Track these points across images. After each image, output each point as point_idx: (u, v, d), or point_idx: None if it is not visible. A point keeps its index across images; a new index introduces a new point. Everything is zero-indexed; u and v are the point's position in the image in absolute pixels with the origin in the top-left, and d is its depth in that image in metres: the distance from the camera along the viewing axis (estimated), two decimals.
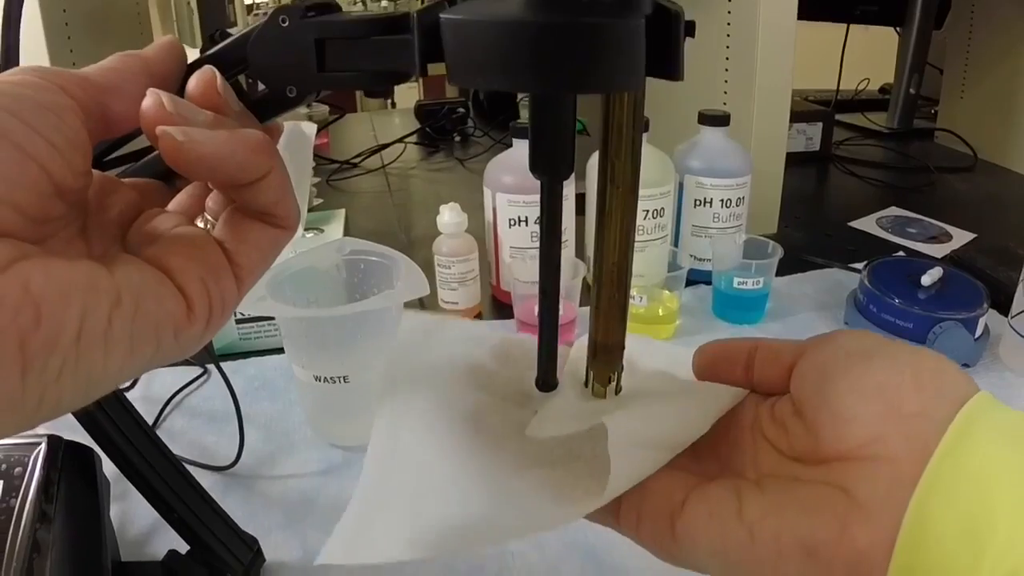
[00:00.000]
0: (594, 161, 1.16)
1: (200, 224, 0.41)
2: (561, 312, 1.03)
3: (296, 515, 0.82)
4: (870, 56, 2.35)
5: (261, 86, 0.42)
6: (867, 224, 1.55)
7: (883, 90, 2.47)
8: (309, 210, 1.41)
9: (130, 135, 0.41)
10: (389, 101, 3.23)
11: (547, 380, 0.46)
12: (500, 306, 1.24)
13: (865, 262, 1.15)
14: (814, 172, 1.88)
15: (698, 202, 1.24)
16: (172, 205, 0.43)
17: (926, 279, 1.07)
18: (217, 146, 0.35)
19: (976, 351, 1.04)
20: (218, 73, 0.39)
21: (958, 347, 1.00)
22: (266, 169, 0.37)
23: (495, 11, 0.33)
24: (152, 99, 0.35)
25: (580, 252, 1.27)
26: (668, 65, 0.33)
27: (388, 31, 0.38)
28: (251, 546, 0.73)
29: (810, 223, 1.57)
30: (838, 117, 2.03)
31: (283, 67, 0.40)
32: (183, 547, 0.69)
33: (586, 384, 0.48)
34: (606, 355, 0.46)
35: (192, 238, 0.38)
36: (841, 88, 2.30)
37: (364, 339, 0.87)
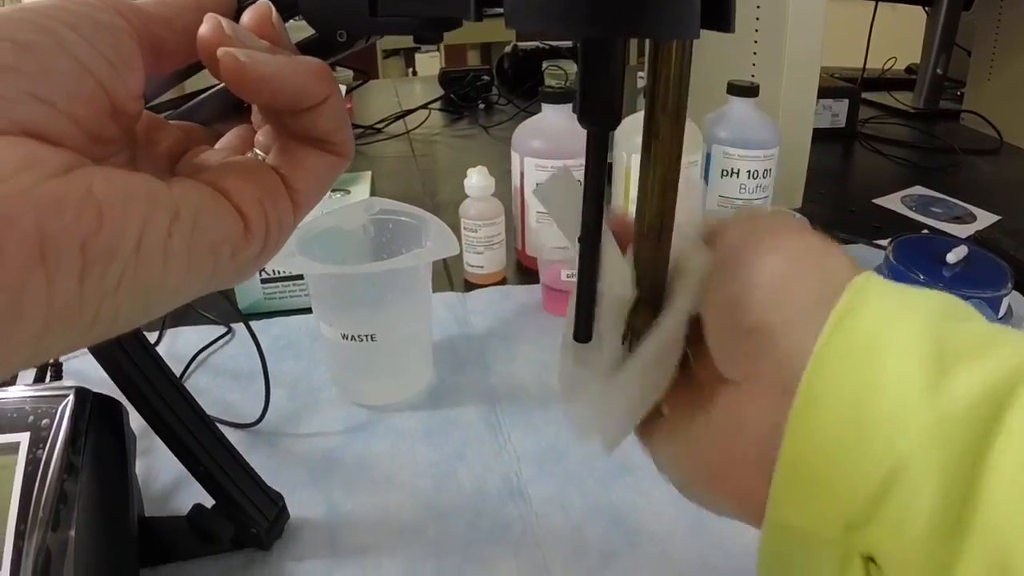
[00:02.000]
0: (618, 133, 1.16)
1: (254, 153, 0.41)
2: None
3: (321, 473, 0.82)
4: (898, 35, 2.32)
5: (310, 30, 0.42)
6: (892, 202, 1.54)
7: (909, 70, 2.45)
8: None
9: (177, 76, 0.40)
10: (411, 69, 3.23)
11: (586, 332, 0.45)
12: (525, 272, 1.24)
13: (890, 239, 1.14)
14: (839, 149, 1.87)
15: (725, 172, 1.23)
16: (220, 144, 0.43)
17: (951, 257, 1.06)
18: (278, 67, 0.35)
19: None
20: (272, 7, 0.38)
21: None
22: (326, 94, 0.37)
23: None
24: (211, 23, 0.35)
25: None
26: (720, 17, 0.34)
27: None
28: (276, 502, 0.73)
29: (835, 199, 1.56)
30: (864, 95, 2.01)
31: (334, 11, 0.40)
32: (208, 502, 0.69)
33: (624, 338, 0.47)
34: (645, 309, 0.46)
35: (247, 163, 0.38)
36: (868, 67, 2.28)
37: (393, 298, 0.87)
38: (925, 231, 1.39)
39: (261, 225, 0.36)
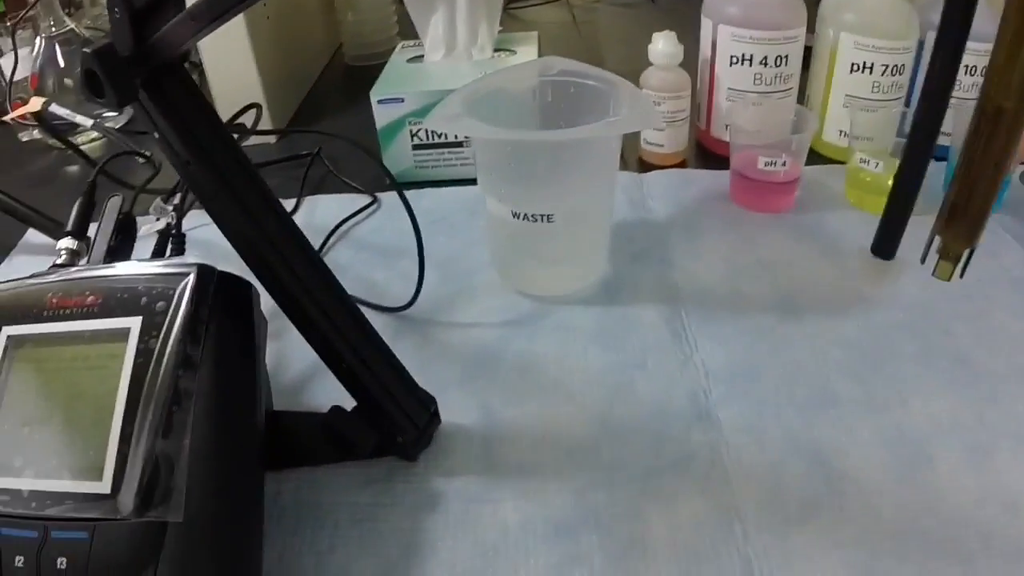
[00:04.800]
0: (823, 9, 1.05)
1: None
2: (785, 170, 0.90)
3: (476, 371, 0.73)
4: None
5: None
6: None
7: None
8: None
9: None
10: None
11: (889, 249, 0.35)
12: (707, 154, 1.13)
13: None
14: None
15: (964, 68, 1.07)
16: None
17: None
18: None
19: None
20: None
21: None
22: None
23: None
24: None
25: (803, 104, 1.12)
26: None
27: None
28: (427, 406, 0.64)
29: None
30: None
31: None
32: (347, 401, 0.61)
33: (923, 258, 0.41)
34: (964, 223, 0.37)
35: None
36: None
37: (577, 174, 0.76)
38: None
39: None
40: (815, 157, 1.04)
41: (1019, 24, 0.33)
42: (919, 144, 0.33)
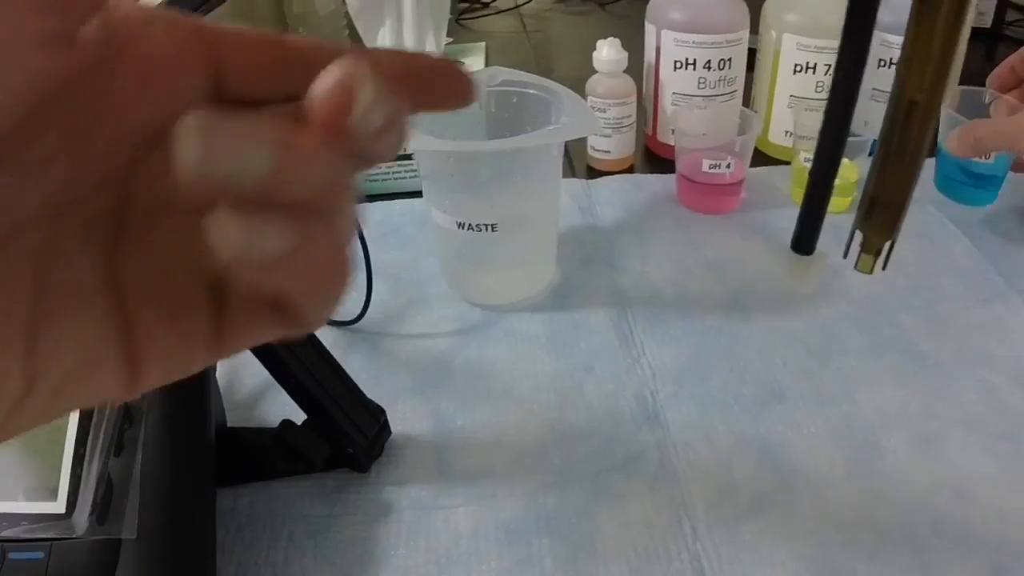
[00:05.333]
0: (766, 11, 1.06)
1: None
2: (730, 172, 0.91)
3: (427, 381, 0.74)
4: None
5: None
6: None
7: None
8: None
9: None
10: None
11: (808, 245, 0.37)
12: (654, 159, 1.13)
13: None
14: (982, 50, 1.72)
15: (882, 63, 1.08)
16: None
17: None
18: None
19: None
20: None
21: None
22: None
23: None
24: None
25: (748, 105, 1.14)
26: None
27: None
28: (377, 417, 0.64)
29: None
30: None
31: None
32: (298, 416, 0.61)
33: (845, 252, 0.43)
34: (884, 215, 0.39)
35: (184, 293, 0.26)
36: None
37: (519, 183, 0.77)
38: None
39: (148, 382, 0.25)
40: (761, 157, 1.06)
41: (928, 19, 0.34)
42: (830, 138, 0.35)
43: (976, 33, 1.71)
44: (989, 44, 1.75)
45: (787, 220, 0.92)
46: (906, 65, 0.36)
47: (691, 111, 1.03)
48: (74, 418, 0.50)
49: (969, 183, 0.95)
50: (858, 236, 0.44)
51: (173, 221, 0.25)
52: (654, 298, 0.83)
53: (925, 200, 0.96)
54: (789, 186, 0.99)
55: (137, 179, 0.25)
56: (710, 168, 0.92)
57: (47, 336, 0.22)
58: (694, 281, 0.85)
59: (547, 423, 0.68)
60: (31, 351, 0.22)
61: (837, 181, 0.92)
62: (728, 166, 0.92)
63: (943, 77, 0.35)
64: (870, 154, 0.82)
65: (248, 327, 0.27)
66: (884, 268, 0.42)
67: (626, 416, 0.69)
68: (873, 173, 0.40)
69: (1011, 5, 1.85)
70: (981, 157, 0.88)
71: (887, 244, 0.41)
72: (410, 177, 1.02)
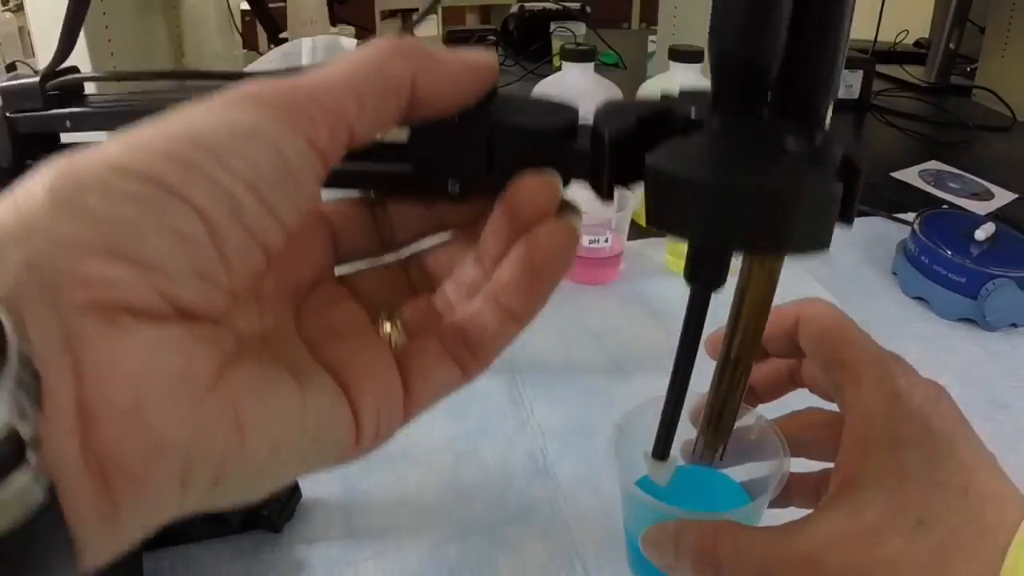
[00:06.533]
0: (640, 96, 1.12)
1: (385, 328, 0.36)
2: (609, 246, 0.99)
3: None
4: (907, 8, 2.28)
5: None
6: (909, 176, 1.50)
7: (918, 44, 2.41)
8: None
9: None
10: (409, 32, 3.17)
11: (664, 452, 0.45)
12: None
13: (915, 213, 1.10)
14: (852, 120, 1.83)
15: None
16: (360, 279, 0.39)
17: (979, 234, 1.02)
18: None
19: None
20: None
21: (1010, 305, 0.96)
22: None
23: (699, 165, 0.33)
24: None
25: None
26: (842, 214, 0.34)
27: (564, 136, 0.36)
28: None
29: None
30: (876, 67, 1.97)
31: (448, 162, 0.37)
32: None
33: (693, 452, 0.50)
34: (718, 427, 0.48)
35: (378, 361, 0.34)
36: (879, 39, 2.23)
37: None
38: (945, 206, 1.35)
39: (371, 437, 0.33)
40: (639, 230, 1.11)
41: (746, 294, 0.42)
42: (677, 384, 0.43)
43: (846, 104, 1.83)
44: (859, 115, 1.86)
45: (662, 287, 1.00)
46: (729, 329, 0.44)
47: (575, 191, 1.08)
48: None
49: None
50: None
51: (357, 340, 0.35)
52: (541, 364, 0.89)
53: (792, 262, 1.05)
54: (664, 256, 1.07)
55: (301, 313, 0.35)
56: (590, 243, 0.99)
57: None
58: (578, 348, 0.91)
59: (446, 482, 0.73)
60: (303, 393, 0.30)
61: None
62: (607, 240, 0.99)
63: (759, 338, 0.43)
64: None
65: (437, 378, 0.35)
66: (722, 459, 0.49)
67: (518, 472, 0.74)
68: (709, 400, 0.47)
69: (879, 75, 1.97)
70: None
71: (721, 446, 0.48)
72: None
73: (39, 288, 0.23)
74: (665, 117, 0.36)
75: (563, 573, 0.65)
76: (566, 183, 0.36)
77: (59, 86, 0.53)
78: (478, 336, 0.35)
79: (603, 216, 1.01)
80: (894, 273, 1.09)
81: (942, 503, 0.40)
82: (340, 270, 0.39)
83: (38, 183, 0.24)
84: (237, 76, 0.48)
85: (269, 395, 0.28)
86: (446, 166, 0.37)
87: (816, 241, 0.33)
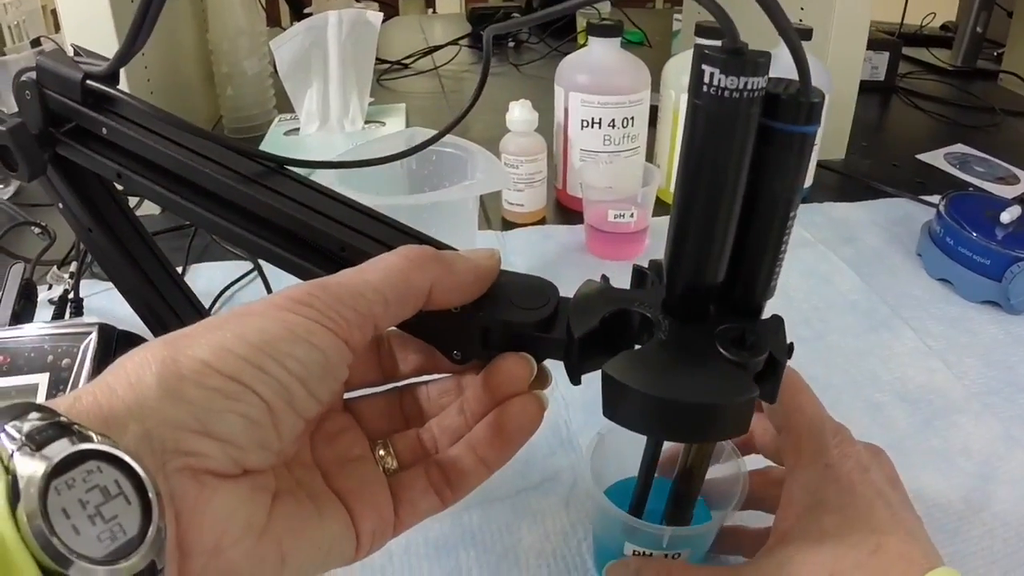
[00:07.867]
0: (666, 73, 1.15)
1: (380, 453, 0.47)
2: (634, 221, 0.99)
3: None
4: None
5: None
6: (935, 158, 1.49)
7: (944, 27, 2.39)
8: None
9: None
10: (431, 9, 3.17)
11: (639, 512, 0.55)
12: (564, 211, 1.20)
13: (941, 195, 1.10)
14: (877, 102, 1.82)
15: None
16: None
17: (1005, 216, 1.01)
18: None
19: None
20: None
21: None
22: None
23: (646, 377, 0.41)
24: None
25: (651, 159, 1.22)
26: (765, 394, 0.43)
27: (544, 329, 0.46)
28: None
29: (876, 152, 1.51)
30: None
31: (450, 339, 0.47)
32: None
33: (664, 513, 0.57)
34: (683, 505, 0.56)
35: (377, 490, 0.44)
36: (905, 22, 2.21)
37: (437, 235, 0.81)
38: (971, 189, 1.35)
39: (366, 550, 0.42)
40: (663, 207, 1.11)
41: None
42: (646, 467, 0.49)
43: (872, 86, 1.81)
44: (884, 97, 1.84)
45: None
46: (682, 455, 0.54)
47: (597, 166, 1.10)
48: None
49: None
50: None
51: (355, 467, 0.45)
52: None
53: (817, 241, 1.06)
54: None
55: (315, 440, 0.45)
56: (615, 218, 1.00)
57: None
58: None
59: None
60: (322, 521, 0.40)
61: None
62: (632, 215, 0.99)
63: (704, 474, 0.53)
64: None
65: (424, 507, 0.45)
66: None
67: (542, 442, 0.74)
68: (674, 484, 0.55)
69: (905, 58, 1.95)
70: None
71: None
72: None
73: (151, 455, 0.31)
74: (625, 316, 0.45)
75: (585, 543, 0.65)
76: (540, 361, 0.46)
77: (97, 92, 0.53)
78: (457, 477, 0.45)
79: (628, 191, 1.01)
80: (919, 254, 1.08)
81: (853, 561, 0.46)
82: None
83: (147, 369, 0.33)
84: (271, 158, 0.53)
85: (304, 531, 0.38)
86: (450, 342, 0.47)
87: (737, 430, 0.42)
